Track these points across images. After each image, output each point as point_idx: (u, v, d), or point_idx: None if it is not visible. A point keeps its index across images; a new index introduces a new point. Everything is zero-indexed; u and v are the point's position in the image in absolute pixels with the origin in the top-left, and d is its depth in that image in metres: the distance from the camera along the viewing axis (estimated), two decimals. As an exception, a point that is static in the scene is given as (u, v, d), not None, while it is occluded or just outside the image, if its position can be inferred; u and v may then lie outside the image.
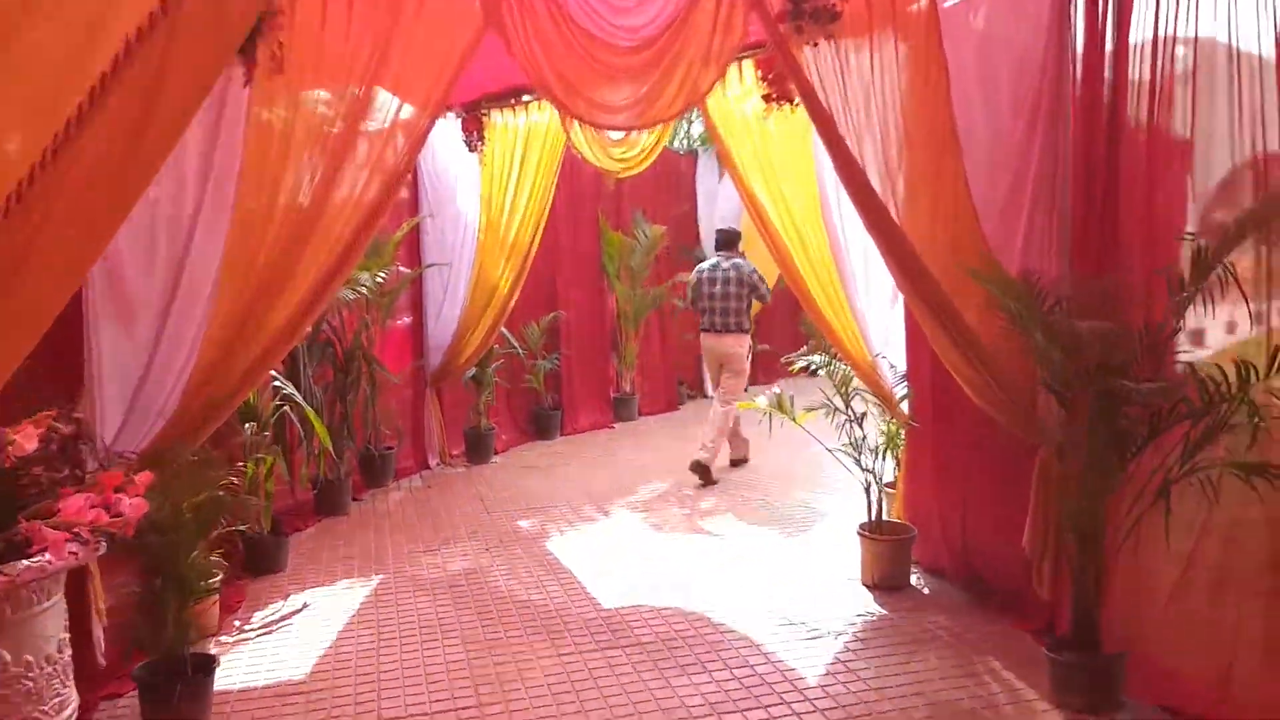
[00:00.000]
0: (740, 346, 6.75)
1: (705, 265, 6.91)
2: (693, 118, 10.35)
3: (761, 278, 6.82)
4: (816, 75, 3.74)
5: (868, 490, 4.36)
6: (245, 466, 4.59)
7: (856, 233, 4.71)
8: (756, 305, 7.01)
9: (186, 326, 3.46)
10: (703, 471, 6.33)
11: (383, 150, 3.84)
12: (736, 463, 6.97)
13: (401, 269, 6.95)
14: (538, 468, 7.09)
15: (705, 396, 10.00)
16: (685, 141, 10.46)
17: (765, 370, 11.02)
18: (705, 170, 10.02)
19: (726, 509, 5.78)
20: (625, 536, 5.25)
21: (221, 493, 3.43)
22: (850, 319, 4.83)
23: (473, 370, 7.21)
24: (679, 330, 9.78)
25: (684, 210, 9.96)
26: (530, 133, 6.59)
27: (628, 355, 8.98)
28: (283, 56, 3.34)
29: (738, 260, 6.78)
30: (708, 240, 9.99)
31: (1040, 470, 3.58)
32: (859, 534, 4.36)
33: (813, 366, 4.82)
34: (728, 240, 6.97)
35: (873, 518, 4.37)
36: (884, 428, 4.58)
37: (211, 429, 3.48)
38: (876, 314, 4.77)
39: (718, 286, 6.66)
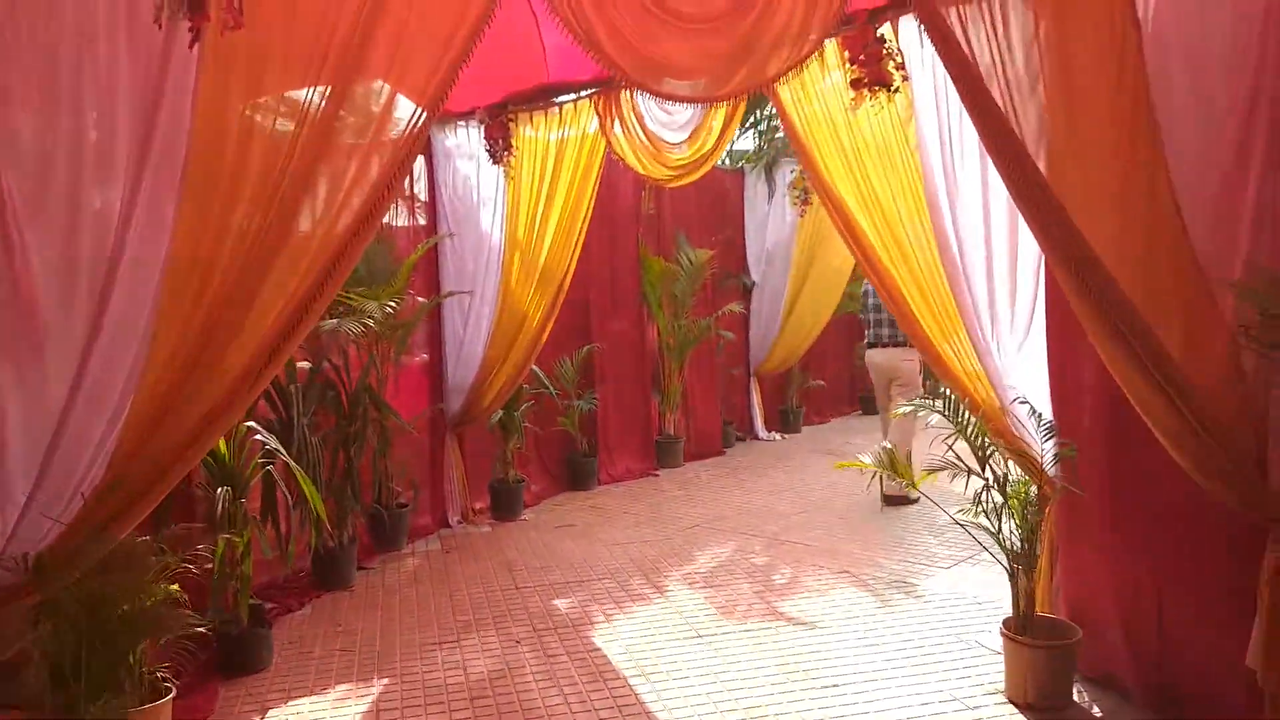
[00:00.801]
0: (912, 360, 6.35)
1: None
2: (739, 131, 9.48)
3: None
4: (963, 35, 2.81)
5: (1013, 577, 3.35)
6: (216, 545, 3.68)
7: (976, 248, 3.77)
8: None
9: (113, 373, 2.55)
10: (899, 501, 6.13)
11: (370, 149, 2.94)
12: (894, 502, 6.24)
13: (418, 299, 6.08)
14: (574, 526, 6.13)
15: (756, 438, 9.04)
16: (729, 158, 9.56)
17: (817, 409, 10.02)
18: (753, 190, 9.11)
19: (812, 584, 4.77)
20: (686, 624, 4.26)
21: (161, 595, 2.52)
22: (969, 351, 3.85)
23: (499, 414, 6.28)
24: (726, 365, 8.82)
25: (729, 234, 9.04)
26: (564, 141, 5.70)
27: (671, 393, 8.03)
28: (241, 6, 2.45)
29: None
30: (755, 265, 9.07)
31: (1275, 567, 2.59)
32: (1004, 635, 3.35)
33: (926, 411, 3.81)
34: None
35: (1020, 612, 3.35)
36: (1017, 492, 3.58)
37: (140, 514, 2.56)
38: (1006, 348, 3.79)
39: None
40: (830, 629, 4.12)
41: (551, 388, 6.74)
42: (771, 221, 8.96)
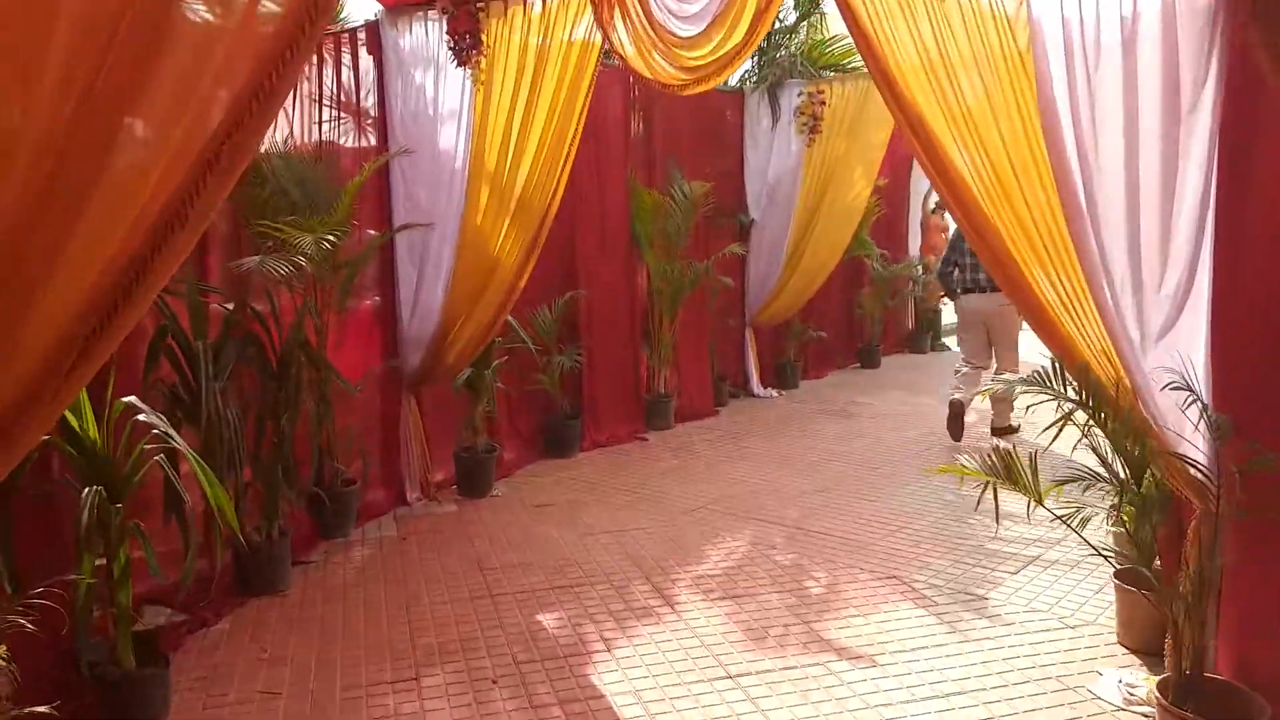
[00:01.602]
0: (1009, 303, 5.45)
1: None
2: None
3: None
4: None
5: (1176, 631, 2.47)
6: (80, 568, 2.69)
7: (1114, 187, 2.83)
8: None
9: None
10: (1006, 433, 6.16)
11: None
12: (1000, 432, 6.32)
13: (369, 232, 5.02)
14: (555, 505, 5.19)
15: (752, 395, 8.14)
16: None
17: (814, 363, 9.13)
18: (754, 115, 8.04)
19: (855, 596, 3.88)
20: (709, 655, 3.36)
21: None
22: (1095, 322, 2.91)
23: (466, 372, 5.28)
24: (719, 314, 7.85)
25: (727, 166, 7.98)
26: (549, 38, 4.61)
27: (662, 346, 7.05)
28: None
29: None
30: (754, 201, 8.05)
31: None
32: (1165, 707, 2.47)
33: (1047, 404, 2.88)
34: None
35: (1185, 671, 2.48)
36: (1129, 503, 2.69)
37: None
38: (1149, 320, 2.84)
39: None
40: (891, 666, 3.23)
41: (529, 341, 5.73)
42: (775, 151, 7.91)
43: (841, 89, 7.58)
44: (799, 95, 7.71)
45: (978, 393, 6.12)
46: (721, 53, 3.77)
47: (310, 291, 4.45)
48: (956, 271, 6.34)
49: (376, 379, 5.15)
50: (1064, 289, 2.97)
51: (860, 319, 9.81)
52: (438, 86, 5.00)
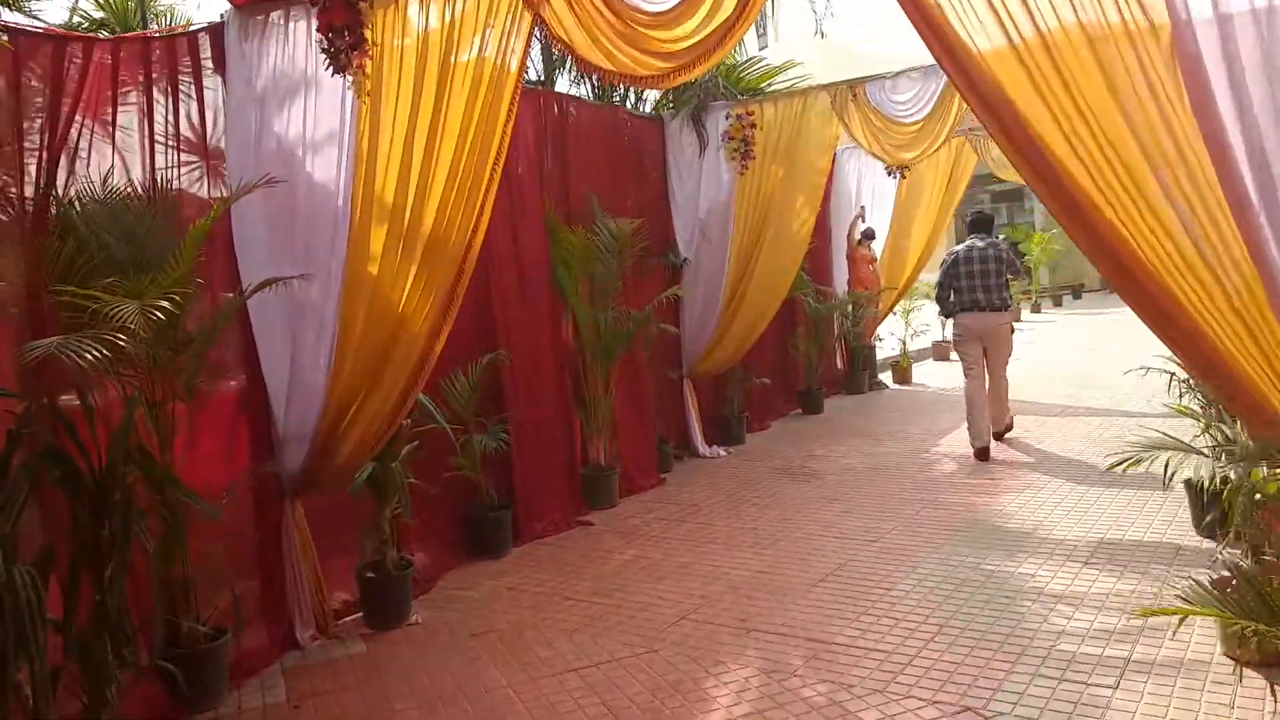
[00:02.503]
0: (1004, 322, 6.78)
1: (960, 248, 6.81)
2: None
3: (1017, 254, 7.04)
4: None
5: None
6: None
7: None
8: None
9: None
10: (984, 451, 6.53)
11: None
12: (1001, 434, 6.95)
13: (225, 295, 3.83)
14: (494, 632, 4.03)
15: (697, 455, 7.16)
16: (641, 101, 7.57)
17: (757, 412, 8.23)
18: (677, 142, 7.15)
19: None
20: None
21: None
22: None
23: (368, 468, 4.09)
24: (655, 367, 6.86)
25: (650, 200, 7.03)
26: (458, 30, 3.57)
27: (599, 409, 5.99)
28: None
29: (994, 240, 6.81)
30: (684, 238, 7.15)
31: None
32: None
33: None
34: (984, 222, 6.97)
35: None
36: None
37: None
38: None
39: (975, 265, 6.64)
40: None
41: (441, 418, 4.57)
42: (704, 182, 7.04)
43: (774, 110, 6.78)
44: (726, 119, 6.88)
45: (1005, 420, 7.02)
46: (709, 30, 2.82)
47: (144, 378, 3.23)
48: (953, 295, 6.76)
49: (248, 486, 3.91)
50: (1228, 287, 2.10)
51: (795, 361, 8.99)
52: (308, 102, 3.88)
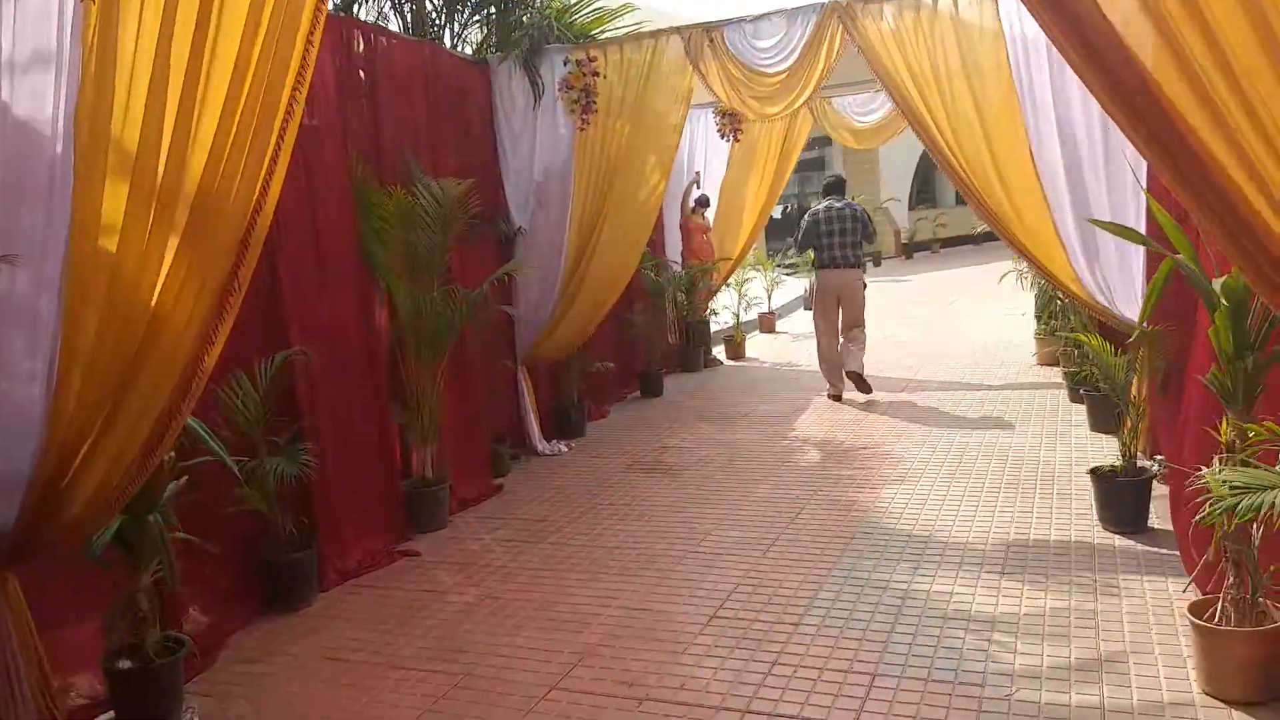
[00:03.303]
0: (859, 278, 7.38)
1: (819, 207, 7.38)
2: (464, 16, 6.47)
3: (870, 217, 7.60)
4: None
5: None
6: None
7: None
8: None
9: None
10: (861, 380, 7.26)
11: None
12: (863, 381, 7.30)
13: None
14: (304, 728, 3.02)
15: (535, 453, 6.29)
16: (460, 42, 6.49)
17: (596, 398, 7.45)
18: (506, 92, 6.16)
19: None
20: None
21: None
22: None
23: (114, 523, 2.93)
24: (487, 354, 5.91)
25: (478, 159, 6.00)
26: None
27: (424, 411, 4.97)
28: None
29: (849, 202, 7.42)
30: (519, 203, 6.20)
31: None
32: None
33: None
34: (837, 185, 7.57)
35: None
36: None
37: None
38: None
39: (835, 224, 7.22)
40: None
41: (219, 446, 3.41)
42: (540, 139, 6.09)
43: (620, 56, 5.91)
44: (565, 65, 5.96)
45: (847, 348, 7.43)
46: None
47: None
48: (813, 251, 7.46)
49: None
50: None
51: (633, 339, 8.26)
52: (3, 9, 2.64)
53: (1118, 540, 4.05)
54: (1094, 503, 4.31)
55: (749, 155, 9.31)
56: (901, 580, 3.83)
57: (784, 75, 5.53)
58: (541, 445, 6.34)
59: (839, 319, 7.39)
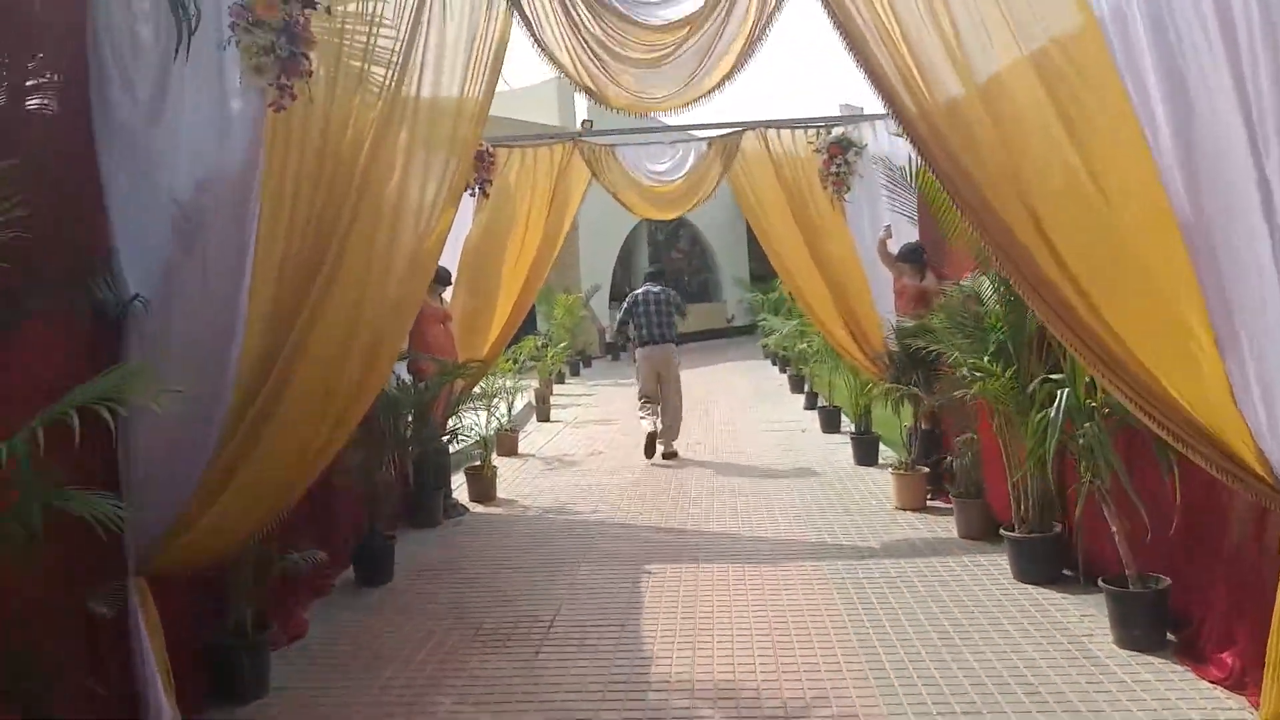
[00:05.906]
0: (674, 354, 8.32)
1: (639, 291, 8.35)
2: None
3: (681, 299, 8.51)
4: None
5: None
6: None
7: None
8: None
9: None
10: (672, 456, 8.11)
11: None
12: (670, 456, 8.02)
13: None
14: None
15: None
16: None
17: (284, 606, 4.20)
18: (120, 21, 3.05)
19: None
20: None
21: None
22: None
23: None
24: (70, 567, 2.60)
25: (55, 147, 2.81)
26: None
27: None
28: None
29: (665, 287, 8.40)
30: (141, 242, 3.01)
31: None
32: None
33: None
34: (659, 274, 8.73)
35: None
36: None
37: None
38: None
39: (652, 306, 8.20)
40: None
41: None
42: (188, 121, 3.04)
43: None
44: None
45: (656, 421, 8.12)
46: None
47: None
48: (632, 329, 8.32)
49: None
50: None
51: (345, 488, 5.11)
52: None
53: None
54: None
55: (504, 213, 6.70)
56: None
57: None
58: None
59: (658, 406, 8.13)
